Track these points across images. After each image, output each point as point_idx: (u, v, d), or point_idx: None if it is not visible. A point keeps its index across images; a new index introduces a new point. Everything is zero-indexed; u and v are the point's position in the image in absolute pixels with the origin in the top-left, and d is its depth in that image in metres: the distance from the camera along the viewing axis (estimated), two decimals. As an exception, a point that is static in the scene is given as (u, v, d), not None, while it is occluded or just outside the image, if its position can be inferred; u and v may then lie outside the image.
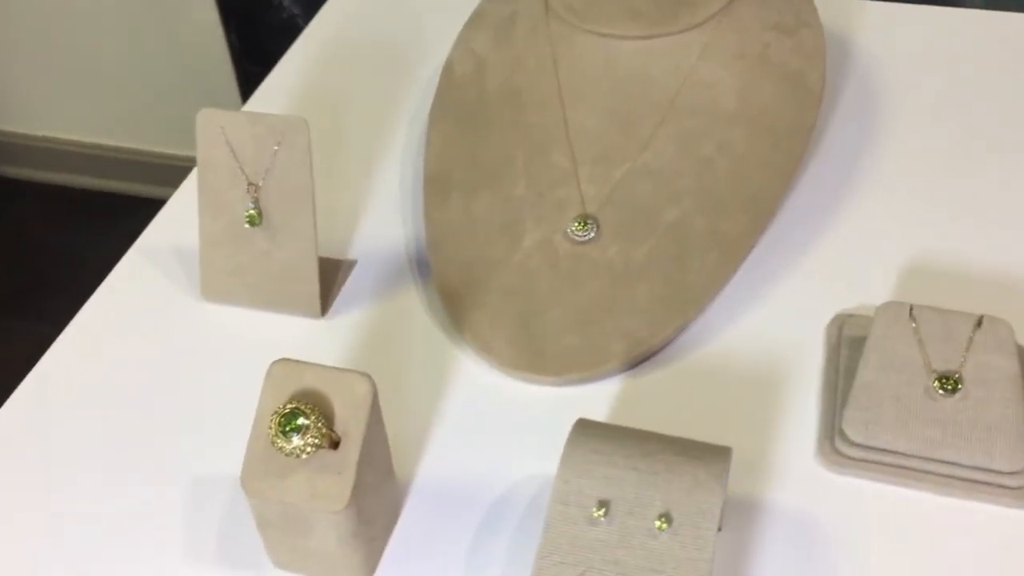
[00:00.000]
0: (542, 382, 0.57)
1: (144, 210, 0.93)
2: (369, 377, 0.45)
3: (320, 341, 0.60)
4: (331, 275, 0.63)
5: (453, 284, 0.60)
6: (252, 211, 0.59)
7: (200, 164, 0.60)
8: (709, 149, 0.62)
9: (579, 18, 0.65)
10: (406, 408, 0.56)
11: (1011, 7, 0.83)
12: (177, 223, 0.68)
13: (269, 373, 0.46)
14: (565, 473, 0.44)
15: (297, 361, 0.46)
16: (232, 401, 0.57)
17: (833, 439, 0.52)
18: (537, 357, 0.57)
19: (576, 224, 0.60)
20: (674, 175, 0.62)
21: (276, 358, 0.58)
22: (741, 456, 0.52)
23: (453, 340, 0.60)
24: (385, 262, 0.65)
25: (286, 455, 0.44)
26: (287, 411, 0.44)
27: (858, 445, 0.51)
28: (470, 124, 0.67)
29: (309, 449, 0.43)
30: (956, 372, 0.51)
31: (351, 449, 0.44)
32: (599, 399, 0.56)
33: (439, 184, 0.65)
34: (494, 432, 0.55)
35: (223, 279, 0.61)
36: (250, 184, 0.59)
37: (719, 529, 0.44)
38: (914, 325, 0.53)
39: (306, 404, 0.44)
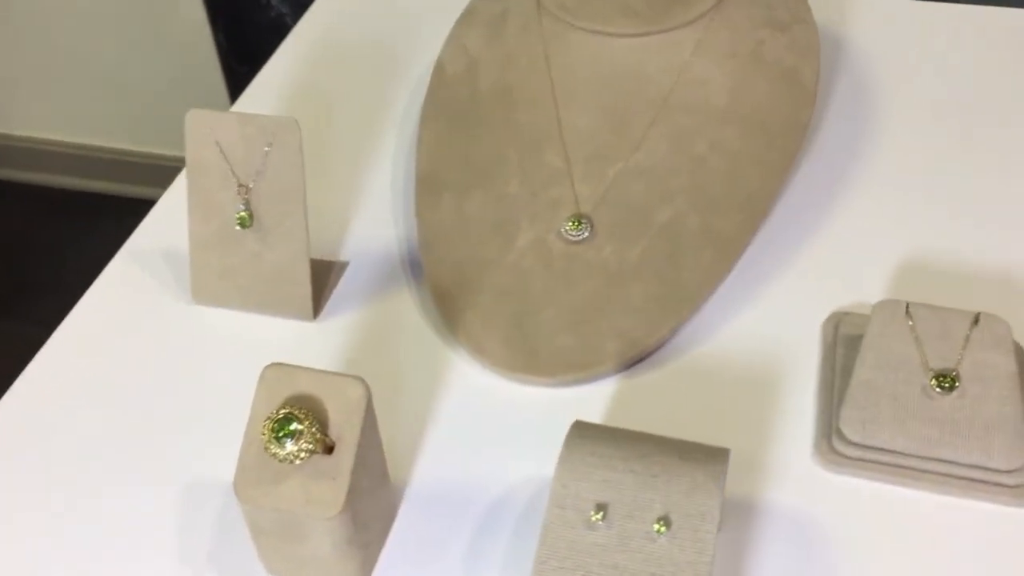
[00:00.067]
0: (537, 383, 0.56)
1: (131, 211, 0.92)
2: (363, 381, 0.45)
3: (312, 344, 0.60)
4: (323, 277, 0.62)
5: (446, 285, 0.60)
6: (243, 213, 0.58)
7: (189, 166, 0.59)
8: (703, 147, 0.62)
9: (571, 15, 0.64)
10: (400, 411, 0.56)
11: (1005, 2, 0.83)
12: (166, 225, 0.68)
13: (262, 377, 0.45)
14: (562, 476, 0.44)
15: (290, 365, 0.45)
16: (224, 405, 0.56)
17: (830, 438, 0.52)
18: (531, 358, 0.56)
19: (570, 224, 0.60)
20: (667, 174, 0.61)
21: (268, 361, 0.57)
22: (738, 456, 0.52)
23: (446, 341, 0.59)
24: (377, 263, 0.64)
25: (279, 461, 0.43)
26: (280, 416, 0.43)
27: (855, 444, 0.51)
28: (462, 123, 0.67)
29: (303, 455, 0.43)
30: (953, 370, 0.51)
31: (345, 454, 0.44)
32: (594, 400, 0.56)
33: (431, 184, 0.65)
34: (489, 434, 0.54)
35: (214, 282, 0.61)
36: (240, 186, 0.58)
37: (718, 530, 0.44)
38: (911, 323, 0.53)
39: (299, 409, 0.43)
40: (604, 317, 0.57)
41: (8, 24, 1.53)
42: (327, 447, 0.44)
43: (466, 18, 0.72)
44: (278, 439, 0.43)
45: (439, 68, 0.70)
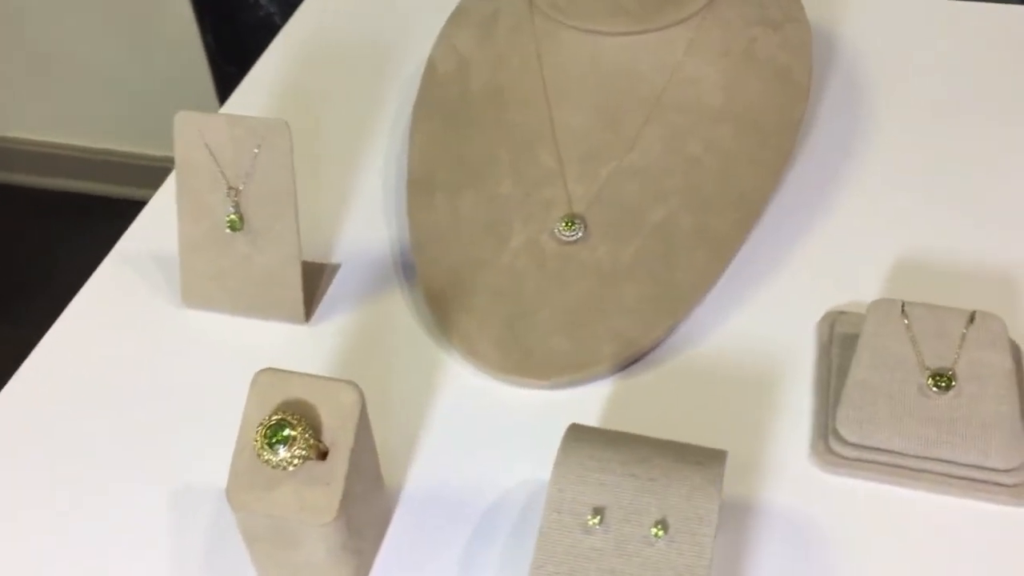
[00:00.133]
0: (531, 385, 0.56)
1: (121, 212, 0.92)
2: (356, 386, 0.44)
3: (304, 347, 0.59)
4: (315, 279, 0.62)
5: (439, 286, 0.59)
6: (233, 215, 0.58)
7: (178, 168, 0.59)
8: (696, 146, 0.61)
9: (563, 14, 0.64)
10: (393, 414, 0.55)
11: (998, -1, 0.83)
12: (156, 227, 0.67)
13: (254, 383, 0.45)
14: (559, 480, 0.43)
15: (282, 370, 0.45)
16: (216, 410, 0.56)
17: (827, 439, 0.52)
18: (526, 360, 0.56)
19: (563, 224, 0.59)
20: (661, 173, 0.61)
21: (260, 365, 0.57)
22: (734, 457, 0.52)
23: (440, 344, 0.59)
24: (369, 265, 0.64)
25: (272, 467, 0.43)
26: (273, 422, 0.43)
27: (852, 444, 0.51)
28: (454, 123, 0.66)
29: (296, 461, 0.42)
30: (950, 369, 0.51)
31: (339, 460, 0.43)
32: (589, 401, 0.55)
33: (423, 184, 0.64)
34: (484, 437, 0.54)
35: (204, 285, 0.60)
36: (230, 188, 0.58)
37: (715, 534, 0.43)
38: (906, 322, 0.53)
39: (292, 415, 0.43)
40: (598, 318, 0.56)
41: (-6, 25, 1.52)
42: (320, 453, 0.43)
43: (457, 17, 0.72)
44: (271, 445, 0.42)
45: (430, 67, 0.70)
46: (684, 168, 0.61)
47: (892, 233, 0.63)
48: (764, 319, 0.59)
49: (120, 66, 1.52)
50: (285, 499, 0.43)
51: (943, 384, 0.50)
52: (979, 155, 0.68)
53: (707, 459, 0.44)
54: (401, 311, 0.61)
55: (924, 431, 0.50)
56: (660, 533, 0.41)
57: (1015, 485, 0.49)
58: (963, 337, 0.52)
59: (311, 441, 0.43)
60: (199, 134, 0.58)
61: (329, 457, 0.43)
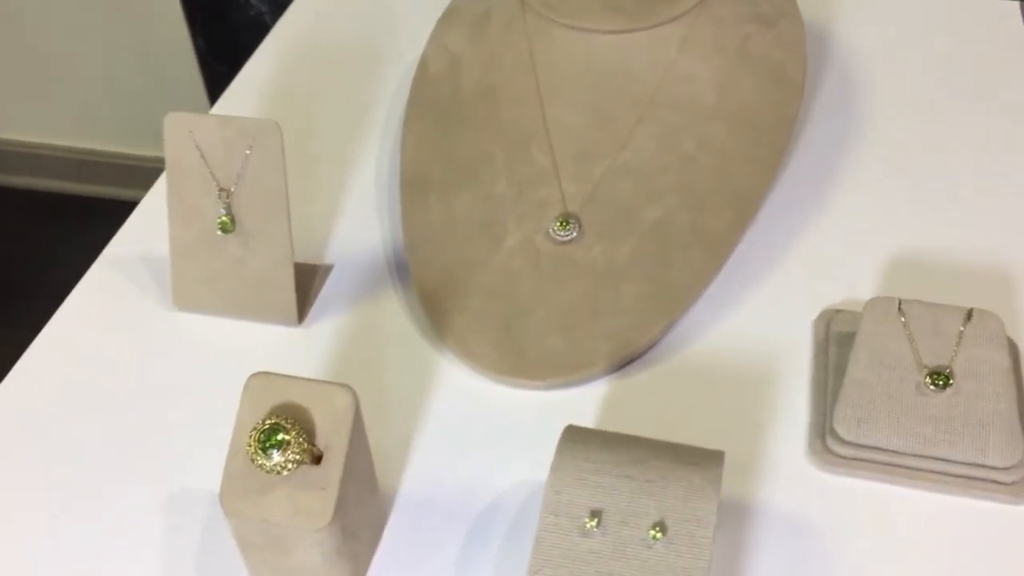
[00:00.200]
0: (527, 386, 0.56)
1: (111, 213, 0.91)
2: (351, 389, 0.44)
3: (297, 349, 0.58)
4: (307, 281, 0.61)
5: (433, 287, 0.59)
6: (224, 217, 0.57)
7: (169, 170, 0.58)
8: (690, 145, 0.61)
9: (555, 12, 0.63)
10: (387, 417, 0.55)
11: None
12: (147, 229, 0.66)
13: (247, 387, 0.44)
14: (556, 483, 0.43)
15: (275, 374, 0.44)
16: (208, 413, 0.55)
17: (824, 438, 0.52)
18: (521, 361, 0.55)
19: (558, 224, 0.59)
20: (656, 172, 0.60)
21: (253, 368, 0.56)
22: (732, 457, 0.51)
23: (434, 345, 0.58)
24: (363, 266, 0.63)
25: (266, 472, 0.42)
26: (267, 427, 0.42)
27: (850, 443, 0.50)
28: (446, 122, 0.66)
29: (290, 466, 0.42)
30: (947, 367, 0.51)
31: (334, 464, 0.43)
32: (585, 402, 0.55)
33: (416, 184, 0.64)
34: (479, 439, 0.53)
35: (196, 288, 0.59)
36: (221, 190, 0.57)
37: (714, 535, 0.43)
38: (903, 320, 0.53)
39: (286, 419, 0.42)
40: (594, 318, 0.56)
41: (-18, 26, 1.51)
42: (315, 457, 0.43)
43: (449, 16, 0.71)
44: (264, 450, 0.42)
45: (422, 67, 0.69)
46: (678, 166, 0.61)
47: (888, 230, 0.63)
48: (760, 318, 0.58)
49: (110, 66, 1.51)
50: (279, 504, 0.43)
51: (941, 382, 0.50)
52: (975, 151, 0.68)
53: (704, 460, 0.44)
54: (395, 312, 0.60)
55: (922, 429, 0.49)
56: (658, 535, 0.41)
57: (1013, 483, 0.49)
58: (960, 335, 0.52)
59: (305, 445, 0.42)
60: (189, 135, 0.57)
61: (323, 461, 0.43)
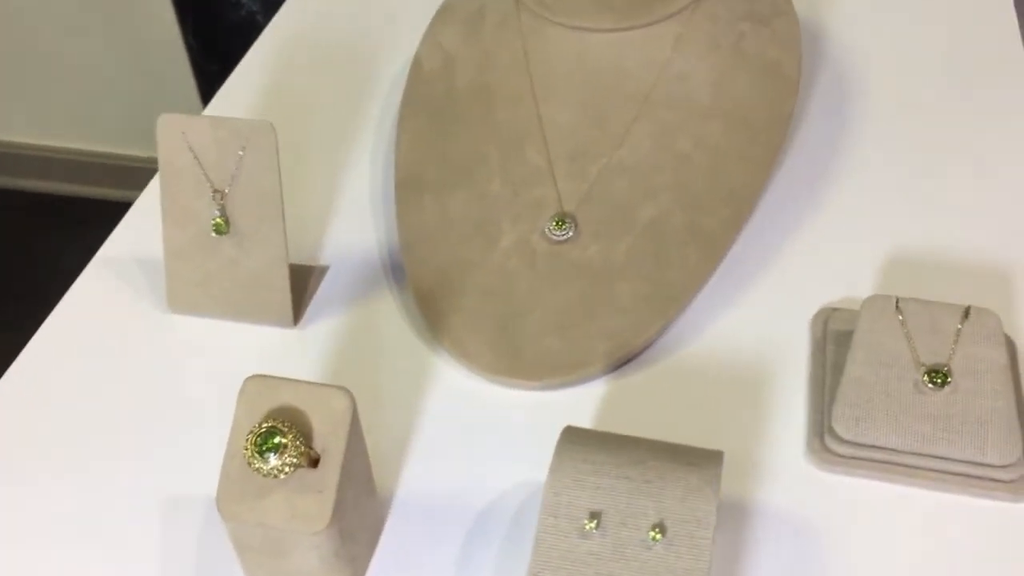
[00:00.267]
0: (523, 387, 0.55)
1: (104, 214, 0.91)
2: (348, 391, 0.44)
3: (293, 351, 0.58)
4: (302, 282, 0.61)
5: (429, 288, 0.59)
6: (218, 219, 0.57)
7: (162, 171, 0.58)
8: (686, 143, 0.61)
9: (549, 11, 0.63)
10: (384, 418, 0.54)
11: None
12: (140, 230, 0.66)
13: (243, 390, 0.44)
14: (554, 484, 0.43)
15: (272, 377, 0.44)
16: (204, 416, 0.55)
17: (823, 437, 0.51)
18: (517, 361, 0.55)
19: (553, 223, 0.59)
20: (651, 170, 0.60)
21: (248, 370, 0.56)
22: (730, 457, 0.51)
23: (430, 346, 0.58)
24: (358, 267, 0.63)
25: (263, 476, 0.42)
26: (263, 430, 0.42)
27: (848, 442, 0.50)
28: (441, 121, 0.65)
29: (287, 469, 0.42)
30: (945, 365, 0.51)
31: (331, 467, 0.43)
32: (583, 402, 0.55)
33: (411, 184, 0.63)
34: (476, 440, 0.53)
35: (190, 290, 0.59)
36: (215, 191, 0.57)
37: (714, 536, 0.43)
38: (901, 318, 0.53)
39: (283, 422, 0.42)
40: (590, 318, 0.56)
41: (-28, 26, 1.50)
42: (312, 460, 0.43)
43: (443, 14, 0.71)
44: (261, 453, 0.42)
45: (416, 66, 0.69)
46: (674, 165, 0.60)
47: (885, 228, 0.63)
48: (757, 317, 0.58)
49: (101, 66, 1.51)
50: (276, 508, 0.42)
51: (939, 380, 0.50)
52: (971, 148, 0.68)
53: (703, 460, 0.43)
54: (391, 313, 0.60)
55: (920, 428, 0.49)
56: (658, 536, 0.41)
57: (1011, 481, 0.49)
58: (958, 333, 0.52)
59: (302, 448, 0.42)
60: (182, 136, 0.57)
61: (321, 464, 0.43)
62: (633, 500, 0.42)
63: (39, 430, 0.55)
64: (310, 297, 0.61)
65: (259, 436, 0.42)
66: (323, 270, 0.63)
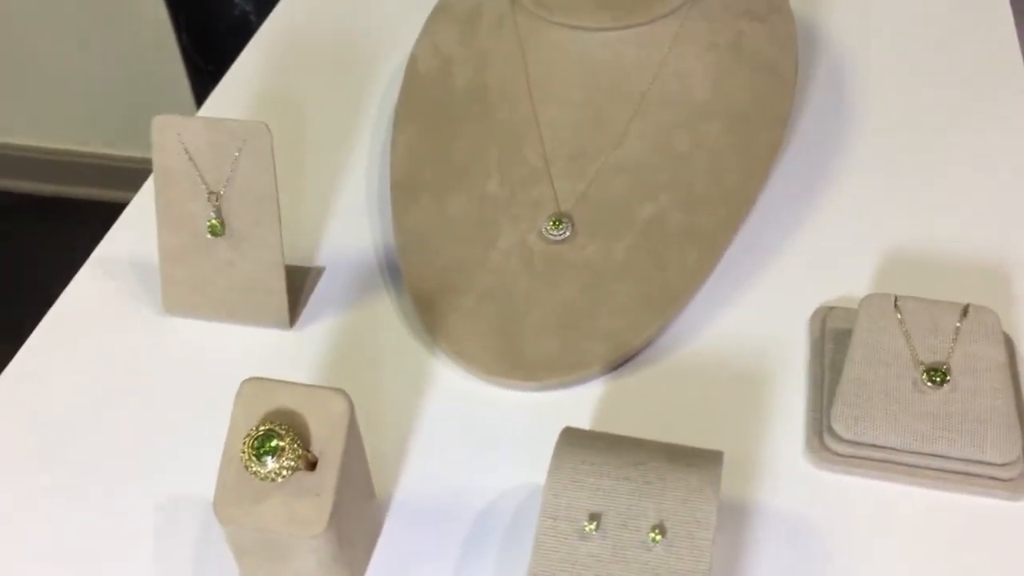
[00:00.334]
0: (522, 388, 0.55)
1: (98, 215, 0.90)
2: (345, 394, 0.43)
3: (289, 353, 0.58)
4: (299, 284, 0.61)
5: (426, 289, 0.58)
6: (214, 221, 0.57)
7: (156, 173, 0.57)
8: (684, 142, 0.61)
9: (546, 10, 0.63)
10: (382, 420, 0.54)
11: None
12: (135, 232, 0.66)
13: (239, 393, 0.44)
14: (553, 486, 0.43)
15: (268, 379, 0.44)
16: (201, 420, 0.55)
17: (822, 436, 0.51)
18: (516, 362, 0.55)
19: (550, 223, 0.58)
20: (649, 170, 0.60)
21: (245, 372, 0.56)
22: (729, 456, 0.51)
23: (428, 347, 0.58)
24: (354, 268, 0.63)
25: (260, 479, 0.42)
26: (260, 433, 0.42)
27: (848, 441, 0.50)
28: (437, 122, 0.65)
29: (285, 472, 0.41)
30: (944, 363, 0.50)
31: (329, 470, 0.42)
32: (581, 403, 0.54)
33: (408, 185, 0.63)
34: (475, 442, 0.53)
35: (186, 292, 0.59)
36: (211, 193, 0.57)
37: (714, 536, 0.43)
38: (899, 317, 0.52)
39: (280, 425, 0.42)
40: (589, 318, 0.56)
41: (-36, 28, 1.50)
42: (309, 463, 0.42)
43: (438, 14, 0.71)
44: (258, 457, 0.41)
45: (412, 66, 0.69)
46: (671, 164, 0.60)
47: (883, 227, 0.63)
48: (755, 316, 0.58)
49: (94, 66, 1.50)
50: (274, 512, 0.42)
51: (938, 379, 0.50)
52: (968, 146, 0.68)
53: (703, 461, 0.43)
54: (388, 315, 0.60)
55: (919, 426, 0.49)
56: (658, 538, 0.41)
57: (1010, 479, 0.49)
58: (957, 331, 0.52)
59: (300, 451, 0.42)
60: (177, 138, 0.56)
61: (318, 467, 0.42)
62: (633, 501, 0.42)
63: (34, 434, 0.55)
64: (306, 299, 0.61)
65: (256, 439, 0.41)
66: (319, 271, 0.62)
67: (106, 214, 0.68)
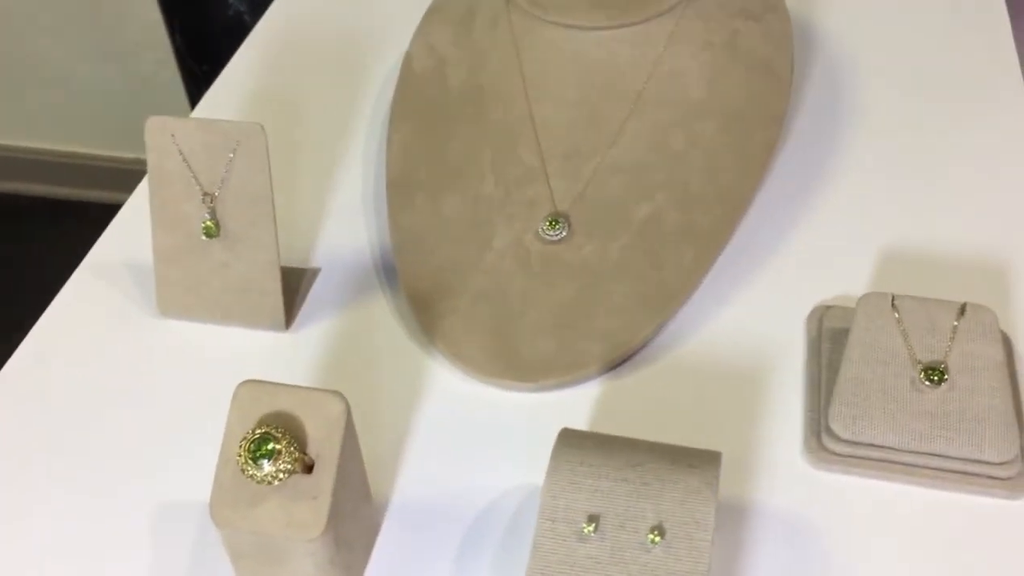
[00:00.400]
0: (519, 388, 0.55)
1: (92, 216, 0.90)
2: (342, 396, 0.43)
3: (285, 355, 0.58)
4: (294, 285, 0.60)
5: (422, 290, 0.58)
6: (209, 222, 0.56)
7: (151, 175, 0.57)
8: (680, 141, 0.61)
9: (541, 9, 0.63)
10: (378, 422, 0.54)
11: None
12: (130, 234, 0.65)
13: (235, 396, 0.43)
14: (552, 488, 0.42)
15: (265, 382, 0.44)
16: (197, 422, 0.54)
17: (820, 435, 0.51)
18: (513, 363, 0.55)
19: (546, 223, 0.58)
20: (645, 169, 0.60)
21: (241, 374, 0.55)
22: (727, 456, 0.51)
23: (424, 348, 0.58)
24: (350, 269, 0.62)
25: (257, 482, 0.41)
26: (257, 436, 0.41)
27: (846, 441, 0.50)
28: (433, 122, 0.65)
29: (282, 475, 0.41)
30: (942, 362, 0.50)
31: (326, 473, 0.42)
32: (579, 403, 0.54)
33: (403, 185, 0.63)
34: (472, 443, 0.53)
35: (181, 295, 0.59)
36: (205, 194, 0.56)
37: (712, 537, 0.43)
38: (897, 316, 0.52)
39: (276, 428, 0.42)
40: (586, 318, 0.56)
41: (-44, 29, 1.49)
42: (306, 466, 0.42)
43: (433, 14, 0.70)
44: (255, 460, 0.41)
45: (407, 66, 0.69)
46: (668, 163, 0.60)
47: (879, 225, 0.63)
48: (752, 315, 0.58)
49: (87, 67, 1.50)
50: (271, 515, 0.42)
51: (935, 378, 0.50)
52: (965, 145, 0.68)
53: (701, 462, 0.43)
54: (384, 315, 0.59)
55: (917, 425, 0.49)
56: (657, 539, 0.41)
57: (1009, 478, 0.49)
58: (954, 330, 0.51)
59: (296, 454, 0.41)
60: (171, 139, 0.56)
61: (315, 470, 0.42)
62: (631, 503, 0.42)
63: (28, 437, 0.54)
64: (302, 300, 0.60)
65: (252, 442, 0.41)
66: (315, 273, 0.62)
67: (101, 216, 0.67)
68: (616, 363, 0.55)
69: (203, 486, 0.51)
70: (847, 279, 0.60)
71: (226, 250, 0.57)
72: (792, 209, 0.64)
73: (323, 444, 0.42)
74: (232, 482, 0.42)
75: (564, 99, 0.62)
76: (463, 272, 0.58)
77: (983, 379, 0.50)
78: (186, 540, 0.49)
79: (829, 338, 0.55)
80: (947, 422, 0.49)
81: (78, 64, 1.50)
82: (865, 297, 0.53)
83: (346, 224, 0.65)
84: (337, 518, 0.42)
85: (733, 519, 0.49)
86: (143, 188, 0.68)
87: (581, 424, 0.53)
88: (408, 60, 0.69)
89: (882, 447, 0.50)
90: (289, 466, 0.41)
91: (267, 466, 0.41)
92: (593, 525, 0.41)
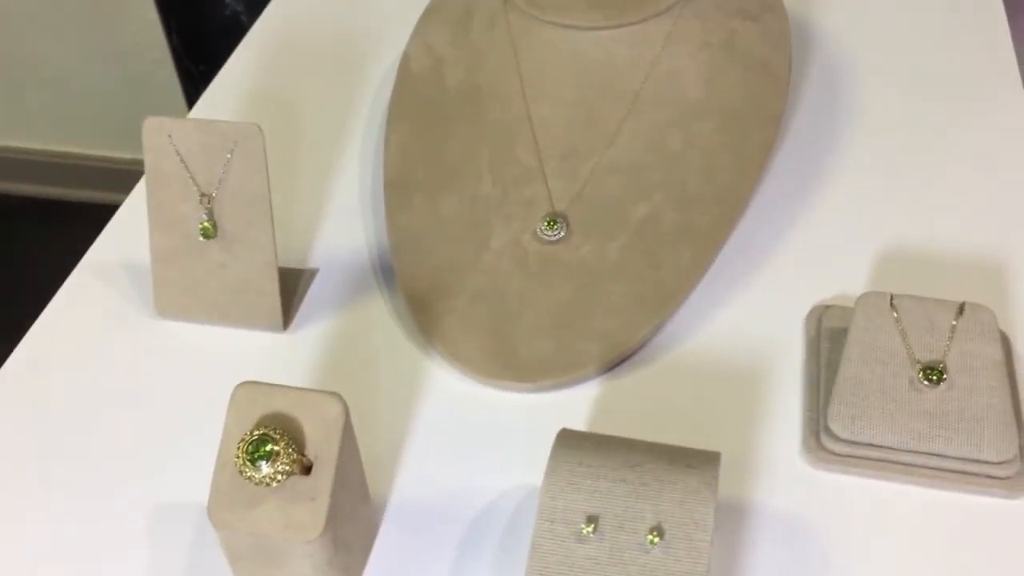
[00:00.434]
0: (517, 389, 0.55)
1: (89, 217, 0.90)
2: (340, 397, 0.43)
3: (283, 355, 0.58)
4: (292, 286, 0.60)
5: (420, 290, 0.58)
6: (206, 223, 0.56)
7: (148, 175, 0.57)
8: (677, 141, 0.61)
9: (538, 9, 0.63)
10: (376, 423, 0.54)
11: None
12: (127, 234, 0.65)
13: (233, 397, 0.43)
14: (550, 489, 0.42)
15: (263, 383, 0.43)
16: (195, 423, 0.54)
17: (818, 435, 0.51)
18: (511, 363, 0.55)
19: (544, 224, 0.58)
20: (642, 169, 0.60)
21: (238, 375, 0.55)
22: (726, 456, 0.51)
23: (422, 349, 0.57)
24: (348, 269, 0.62)
25: (255, 484, 0.41)
26: (255, 438, 0.41)
27: (844, 440, 0.50)
28: (430, 122, 0.65)
29: (280, 477, 0.41)
30: (940, 362, 0.50)
31: (324, 474, 0.42)
32: (577, 404, 0.54)
33: (401, 185, 0.63)
34: (470, 444, 0.53)
35: (178, 295, 0.58)
36: (203, 195, 0.56)
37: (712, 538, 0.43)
38: (895, 315, 0.52)
39: (274, 429, 0.42)
40: (584, 319, 0.55)
41: (-47, 29, 1.49)
42: (304, 467, 0.42)
43: (430, 14, 0.70)
44: (253, 461, 0.41)
45: (405, 66, 0.69)
46: (665, 163, 0.60)
47: (878, 225, 0.63)
48: (751, 315, 0.58)
49: (84, 67, 1.50)
50: (269, 516, 0.42)
51: (934, 377, 0.50)
52: (963, 144, 0.68)
53: (700, 462, 0.43)
54: (382, 316, 0.59)
55: (916, 425, 0.49)
56: (656, 540, 0.41)
57: (1007, 477, 0.49)
58: (953, 329, 0.51)
59: (294, 456, 0.41)
60: (168, 140, 0.56)
61: (313, 472, 0.42)
62: (630, 503, 0.42)
63: (26, 438, 0.54)
64: (300, 301, 0.60)
65: (251, 444, 0.41)
66: (313, 273, 0.62)
67: (99, 216, 0.67)
68: (614, 363, 0.55)
69: (201, 487, 0.51)
70: (846, 279, 0.60)
71: (223, 251, 0.57)
72: (790, 209, 0.64)
73: (321, 445, 0.42)
74: (230, 483, 0.42)
75: (562, 99, 0.62)
76: (461, 272, 0.58)
77: (982, 378, 0.50)
78: (184, 542, 0.49)
79: (828, 338, 0.55)
80: (946, 422, 0.49)
81: (75, 64, 1.49)
82: (864, 297, 0.53)
83: (344, 224, 0.65)
84: (335, 519, 0.42)
85: (732, 519, 0.49)
86: (140, 189, 0.68)
87: (579, 424, 0.53)
88: (405, 60, 0.69)
89: (881, 447, 0.50)
90: (287, 467, 0.41)
91: (265, 467, 0.41)
92: (592, 526, 0.41)
